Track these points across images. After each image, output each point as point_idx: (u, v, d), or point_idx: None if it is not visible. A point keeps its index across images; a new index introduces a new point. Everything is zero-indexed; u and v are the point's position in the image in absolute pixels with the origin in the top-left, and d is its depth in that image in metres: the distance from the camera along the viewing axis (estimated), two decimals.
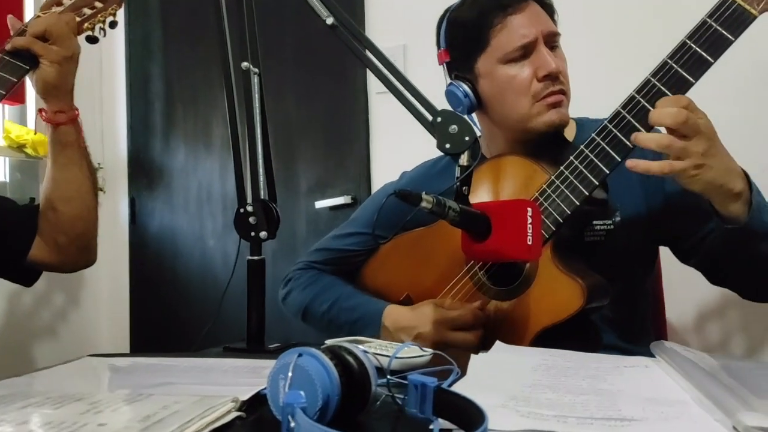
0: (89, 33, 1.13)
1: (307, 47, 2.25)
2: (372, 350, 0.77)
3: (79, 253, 1.15)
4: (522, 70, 1.05)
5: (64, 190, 1.09)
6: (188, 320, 2.37)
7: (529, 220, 0.83)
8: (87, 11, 1.13)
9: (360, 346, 0.78)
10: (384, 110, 2.11)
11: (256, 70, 1.00)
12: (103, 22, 1.14)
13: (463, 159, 0.87)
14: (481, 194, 1.05)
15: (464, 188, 0.88)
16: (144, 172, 2.62)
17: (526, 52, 1.05)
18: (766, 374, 0.69)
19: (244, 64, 0.97)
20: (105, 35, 1.15)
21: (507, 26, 1.06)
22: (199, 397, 0.59)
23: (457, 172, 0.87)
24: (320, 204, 2.21)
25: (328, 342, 0.83)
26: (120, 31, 2.66)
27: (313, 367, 0.53)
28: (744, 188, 0.88)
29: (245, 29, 0.98)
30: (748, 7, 0.86)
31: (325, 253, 1.27)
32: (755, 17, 0.86)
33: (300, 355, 0.54)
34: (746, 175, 0.90)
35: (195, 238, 2.51)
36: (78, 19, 1.11)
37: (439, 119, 0.88)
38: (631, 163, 0.88)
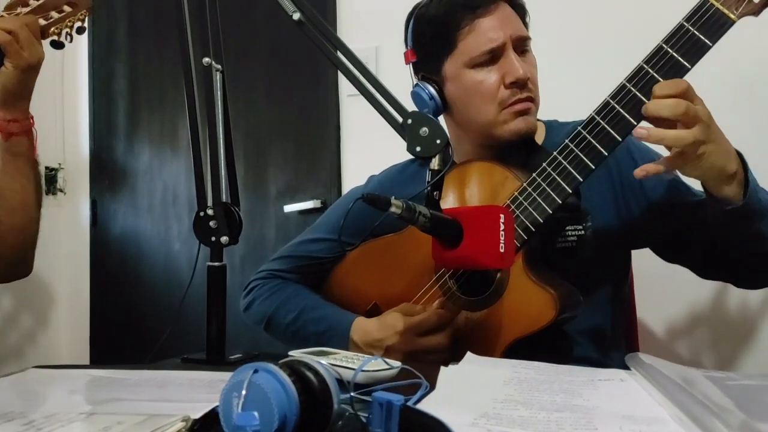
0: (54, 38, 1.09)
1: (278, 50, 2.20)
2: (337, 362, 0.73)
3: (14, 266, 1.11)
4: (489, 75, 1.02)
5: (9, 199, 1.05)
6: (152, 327, 2.29)
7: (502, 227, 0.81)
8: (54, 15, 1.08)
9: (325, 359, 0.74)
10: (355, 113, 2.07)
11: (219, 66, 0.95)
12: (71, 27, 1.10)
13: (434, 163, 0.84)
14: (449, 201, 1.02)
15: (435, 193, 0.84)
16: (106, 173, 2.54)
17: (493, 56, 1.02)
18: (742, 386, 0.67)
19: (206, 59, 0.93)
20: (71, 41, 1.11)
21: (475, 29, 1.02)
22: (146, 416, 0.54)
23: (428, 176, 0.84)
24: (289, 208, 2.16)
25: (293, 353, 0.80)
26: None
27: (269, 385, 0.49)
28: (738, 168, 0.86)
29: (207, 23, 0.93)
30: (726, 11, 0.84)
31: (289, 260, 1.22)
32: (734, 22, 0.84)
33: (255, 371, 0.50)
34: (739, 155, 0.88)
35: (159, 241, 2.44)
36: (44, 22, 1.07)
37: (409, 121, 0.84)
38: (641, 172, 0.85)
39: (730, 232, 0.91)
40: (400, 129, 0.85)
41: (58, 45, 1.10)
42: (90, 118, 2.56)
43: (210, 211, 0.92)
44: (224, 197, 0.94)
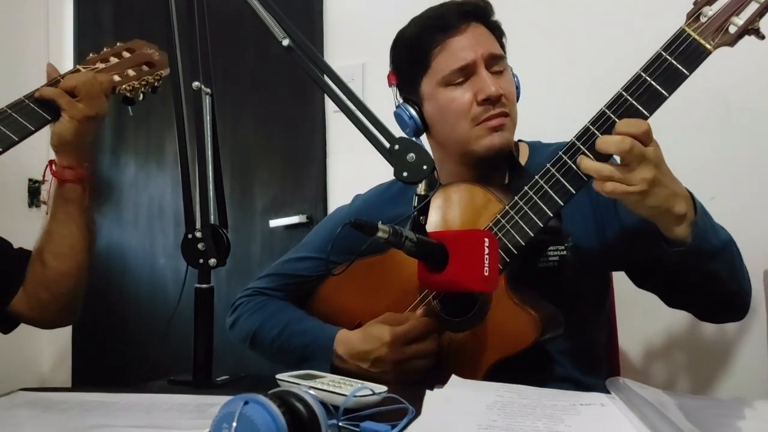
0: (127, 95, 1.12)
1: (265, 65, 2.21)
2: (324, 387, 0.74)
3: (61, 312, 1.11)
4: (462, 93, 1.05)
5: (58, 244, 1.06)
6: (136, 345, 2.27)
7: (486, 251, 0.82)
8: (131, 73, 1.11)
9: (311, 383, 0.75)
10: (342, 128, 2.08)
11: (209, 90, 0.96)
12: (145, 86, 1.13)
13: (421, 188, 0.85)
14: (431, 222, 1.03)
15: (421, 218, 0.86)
16: (91, 186, 2.52)
17: (466, 75, 1.05)
18: (718, 413, 0.69)
19: (195, 84, 0.94)
20: (143, 99, 1.14)
21: (446, 48, 1.05)
22: None
23: (415, 201, 0.86)
24: (275, 223, 2.17)
25: (280, 377, 0.81)
26: (69, 40, 2.57)
27: (259, 417, 0.50)
28: (688, 210, 0.88)
29: (197, 48, 0.95)
30: (703, 41, 0.86)
31: (275, 278, 1.23)
32: (710, 52, 0.86)
33: (246, 402, 0.51)
34: (692, 197, 0.90)
35: (145, 255, 2.43)
36: (118, 79, 1.10)
37: (396, 147, 0.86)
38: (597, 185, 0.86)
39: (684, 271, 0.93)
40: (388, 154, 0.86)
41: (129, 101, 1.13)
42: None
43: (198, 234, 0.93)
44: (212, 219, 0.95)
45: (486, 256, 0.82)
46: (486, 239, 0.82)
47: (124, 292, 2.43)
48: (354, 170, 1.86)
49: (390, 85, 1.15)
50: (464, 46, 1.05)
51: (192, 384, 0.92)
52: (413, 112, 1.09)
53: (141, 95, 1.13)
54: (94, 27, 2.55)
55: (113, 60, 1.11)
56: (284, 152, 2.21)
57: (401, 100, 1.13)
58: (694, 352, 1.60)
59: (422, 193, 0.85)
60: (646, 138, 0.83)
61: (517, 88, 1.12)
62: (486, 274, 0.82)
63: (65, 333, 2.50)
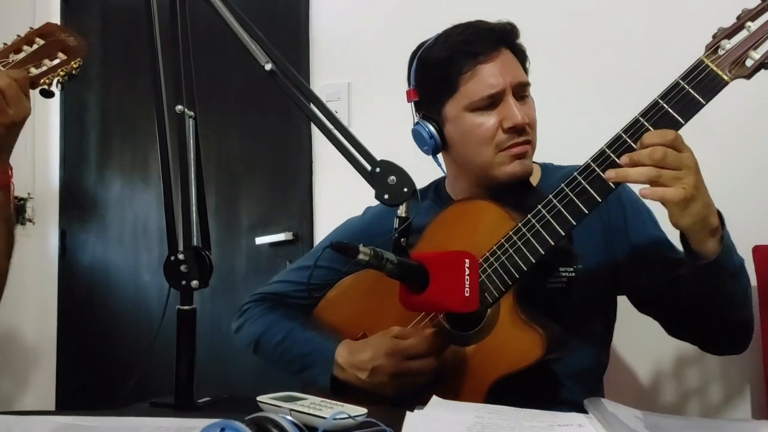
0: (45, 87, 1.03)
1: (252, 83, 2.22)
2: (304, 410, 0.74)
3: None
4: (488, 119, 1.05)
5: None
6: (120, 365, 2.24)
7: (467, 272, 0.83)
8: (47, 62, 1.02)
9: (292, 405, 0.75)
10: (328, 147, 2.07)
11: (192, 113, 0.97)
12: (63, 75, 1.04)
13: (402, 210, 0.86)
14: (445, 237, 1.05)
15: (402, 240, 0.87)
16: (76, 203, 2.51)
17: (493, 101, 1.05)
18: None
19: (179, 107, 0.94)
20: (63, 89, 1.06)
21: (476, 74, 1.05)
22: None
23: (396, 223, 0.87)
24: (260, 240, 2.17)
25: (261, 399, 0.81)
26: None
27: None
28: (719, 225, 0.89)
29: (180, 69, 0.95)
30: (720, 72, 0.88)
31: (284, 285, 1.24)
32: (727, 83, 0.88)
33: (222, 429, 0.51)
34: (719, 213, 0.91)
35: (129, 272, 2.42)
36: (35, 71, 1.02)
37: (377, 170, 0.87)
38: (645, 191, 0.85)
39: (702, 289, 0.93)
40: (369, 177, 0.88)
41: (48, 94, 1.04)
42: (61, 147, 2.54)
43: (181, 256, 0.93)
44: (195, 241, 0.96)
45: (467, 277, 0.83)
46: (466, 260, 0.83)
47: (108, 309, 2.42)
48: (340, 188, 1.87)
49: (409, 100, 1.15)
50: (494, 73, 1.05)
51: (174, 406, 0.92)
52: (433, 131, 1.10)
53: (60, 87, 1.04)
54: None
55: (26, 50, 1.01)
56: (270, 169, 2.22)
57: (419, 117, 1.14)
58: (677, 371, 1.61)
59: (403, 215, 0.86)
60: (677, 146, 0.85)
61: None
62: (467, 294, 0.83)
63: (50, 355, 2.48)
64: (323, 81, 2.07)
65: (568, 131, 1.60)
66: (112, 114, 2.51)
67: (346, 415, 0.67)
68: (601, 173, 0.91)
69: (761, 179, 1.57)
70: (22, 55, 1.01)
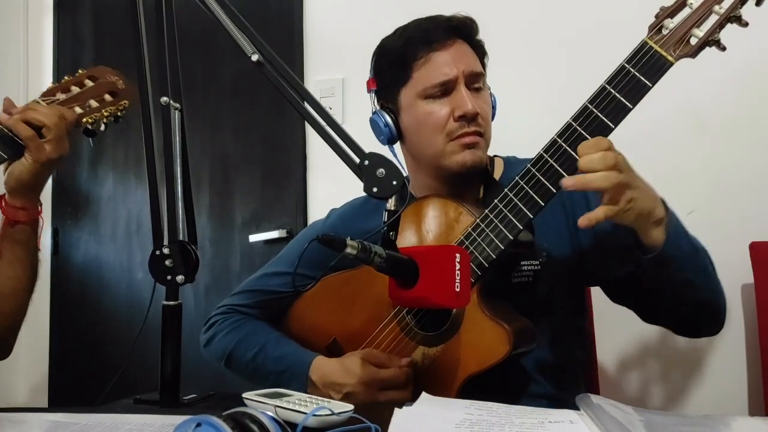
0: (89, 127, 1.04)
1: (244, 78, 2.21)
2: (290, 406, 0.73)
3: None
4: (440, 107, 1.05)
5: (1, 285, 1.01)
6: (112, 361, 2.23)
7: (458, 267, 0.82)
8: (93, 103, 1.03)
9: (278, 401, 0.74)
10: (321, 143, 2.06)
11: (177, 105, 0.95)
12: (107, 116, 1.04)
13: (391, 203, 0.85)
14: (405, 236, 1.03)
15: (391, 233, 0.85)
16: (69, 200, 2.49)
17: (445, 90, 1.05)
18: (686, 430, 0.68)
19: (164, 99, 0.93)
20: (106, 130, 1.06)
21: (429, 62, 1.06)
22: None
23: (385, 216, 0.85)
24: (254, 238, 2.15)
25: (246, 395, 0.79)
26: (48, 52, 2.55)
27: None
28: (664, 213, 0.89)
29: (165, 62, 0.94)
30: (665, 53, 0.87)
31: (250, 294, 1.21)
32: (672, 63, 0.87)
33: (198, 424, 0.49)
34: (663, 201, 0.92)
35: (122, 270, 2.40)
36: (80, 111, 1.02)
37: (366, 162, 0.85)
38: (584, 221, 0.86)
39: (659, 283, 0.94)
40: (357, 169, 0.86)
41: (90, 134, 1.04)
42: None
43: (166, 250, 0.92)
44: (181, 235, 0.94)
45: (457, 272, 0.81)
46: (457, 254, 0.81)
47: (100, 307, 2.40)
48: (334, 184, 1.85)
49: (368, 90, 1.15)
50: (447, 62, 1.05)
51: (158, 403, 0.90)
52: (389, 120, 1.10)
53: (103, 126, 1.05)
54: (74, 41, 2.53)
55: (74, 90, 1.03)
56: (264, 166, 2.20)
57: (378, 107, 1.13)
58: (673, 367, 1.60)
59: (392, 208, 0.85)
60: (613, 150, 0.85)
61: (494, 107, 1.13)
62: (457, 289, 0.81)
63: (42, 353, 2.46)
64: (317, 77, 2.06)
65: (528, 124, 1.59)
66: None
67: (328, 411, 0.66)
68: (554, 163, 0.90)
69: (757, 176, 1.57)
70: (67, 95, 1.02)
